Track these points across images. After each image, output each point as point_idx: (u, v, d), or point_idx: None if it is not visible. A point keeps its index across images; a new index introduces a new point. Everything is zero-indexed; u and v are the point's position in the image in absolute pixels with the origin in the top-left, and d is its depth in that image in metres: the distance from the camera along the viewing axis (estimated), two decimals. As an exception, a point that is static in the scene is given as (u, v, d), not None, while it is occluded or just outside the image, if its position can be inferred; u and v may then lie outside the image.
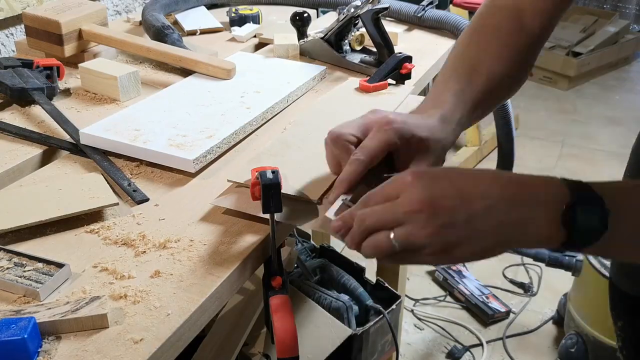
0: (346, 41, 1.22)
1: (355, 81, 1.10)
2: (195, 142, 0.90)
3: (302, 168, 0.83)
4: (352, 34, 1.21)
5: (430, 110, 0.76)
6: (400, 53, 1.10)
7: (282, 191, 0.71)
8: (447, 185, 0.59)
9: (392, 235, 0.59)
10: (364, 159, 0.70)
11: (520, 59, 0.83)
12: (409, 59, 1.09)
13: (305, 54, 1.26)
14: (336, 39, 1.21)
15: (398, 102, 1.04)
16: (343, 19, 1.17)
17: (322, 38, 1.22)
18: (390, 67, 1.07)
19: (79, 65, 1.11)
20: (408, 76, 1.10)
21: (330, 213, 0.68)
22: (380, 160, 0.71)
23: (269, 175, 0.68)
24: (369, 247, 0.61)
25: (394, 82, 1.10)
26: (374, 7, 1.11)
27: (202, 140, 0.90)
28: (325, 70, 1.19)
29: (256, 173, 0.70)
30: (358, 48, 1.23)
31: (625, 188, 0.63)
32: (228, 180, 0.82)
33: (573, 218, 0.57)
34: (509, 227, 0.59)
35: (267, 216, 0.71)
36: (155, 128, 0.94)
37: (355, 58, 1.21)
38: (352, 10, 1.15)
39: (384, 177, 0.65)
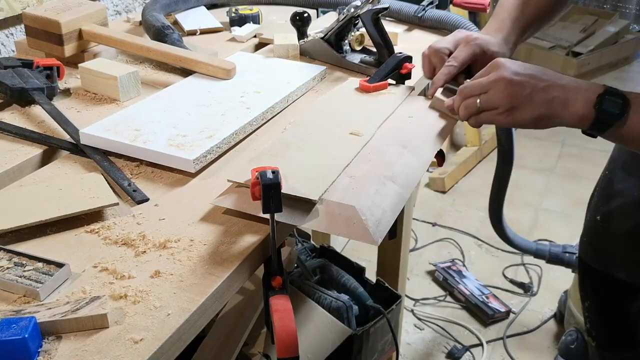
0: (346, 41, 1.22)
1: (355, 81, 1.10)
2: (195, 142, 0.90)
3: (302, 168, 0.83)
4: (352, 34, 1.21)
5: (496, 32, 1.05)
6: (400, 53, 1.10)
7: (282, 191, 0.71)
8: (523, 68, 0.85)
9: (478, 100, 0.87)
10: (456, 64, 0.99)
11: None
12: (409, 59, 1.09)
13: (305, 54, 1.26)
14: (336, 39, 1.21)
15: (398, 102, 1.04)
16: (343, 19, 1.17)
17: (322, 38, 1.22)
18: (390, 67, 1.08)
19: (79, 65, 1.11)
20: (408, 76, 1.10)
21: (439, 94, 1.00)
22: (466, 66, 1.00)
23: (269, 175, 0.68)
24: (462, 108, 0.90)
25: (394, 82, 1.10)
26: (374, 7, 1.11)
27: (202, 141, 0.90)
28: (326, 70, 1.19)
29: (256, 173, 0.71)
30: (358, 48, 1.23)
31: None
32: (228, 180, 0.82)
33: (601, 102, 0.82)
34: (557, 103, 0.83)
35: (267, 216, 0.71)
36: (155, 128, 0.94)
37: (355, 58, 1.21)
38: (352, 10, 1.15)
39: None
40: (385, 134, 0.94)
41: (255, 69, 1.16)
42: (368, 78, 1.08)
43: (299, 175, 0.80)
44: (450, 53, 1.01)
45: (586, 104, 0.82)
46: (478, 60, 1.00)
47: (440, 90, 1.00)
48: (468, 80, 0.93)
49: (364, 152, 0.89)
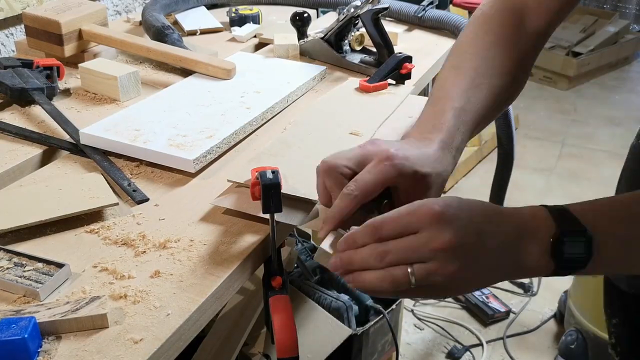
0: (346, 41, 1.22)
1: (355, 81, 1.10)
2: (195, 142, 0.90)
3: (302, 168, 0.83)
4: (352, 34, 1.21)
5: (430, 134, 0.73)
6: (400, 53, 1.10)
7: (282, 191, 0.71)
8: (468, 223, 0.58)
9: (410, 270, 0.58)
10: (357, 194, 0.65)
11: (522, 64, 0.81)
12: (409, 59, 1.09)
13: (306, 54, 1.26)
14: (336, 39, 1.21)
15: (398, 102, 1.04)
16: (343, 19, 1.17)
17: (322, 38, 1.22)
18: (390, 67, 1.08)
19: (79, 65, 1.11)
20: (408, 76, 1.10)
21: (325, 245, 0.65)
22: (374, 196, 0.67)
23: (269, 175, 0.68)
24: (382, 279, 0.59)
25: (393, 82, 1.10)
26: (374, 7, 1.11)
27: (202, 141, 0.90)
28: (325, 70, 1.19)
29: (256, 173, 0.70)
30: (358, 48, 1.23)
31: (607, 209, 0.64)
32: (228, 180, 0.82)
33: (560, 250, 0.59)
34: (514, 262, 0.60)
35: (267, 216, 0.71)
36: (155, 128, 0.94)
37: (355, 58, 1.21)
38: (352, 10, 1.15)
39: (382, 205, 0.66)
40: (385, 133, 0.94)
41: (255, 69, 1.16)
42: (368, 78, 1.08)
43: (299, 175, 0.81)
44: (353, 174, 0.68)
45: (541, 254, 0.60)
46: (400, 186, 0.68)
47: (331, 237, 0.66)
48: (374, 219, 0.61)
49: None
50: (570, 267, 0.60)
